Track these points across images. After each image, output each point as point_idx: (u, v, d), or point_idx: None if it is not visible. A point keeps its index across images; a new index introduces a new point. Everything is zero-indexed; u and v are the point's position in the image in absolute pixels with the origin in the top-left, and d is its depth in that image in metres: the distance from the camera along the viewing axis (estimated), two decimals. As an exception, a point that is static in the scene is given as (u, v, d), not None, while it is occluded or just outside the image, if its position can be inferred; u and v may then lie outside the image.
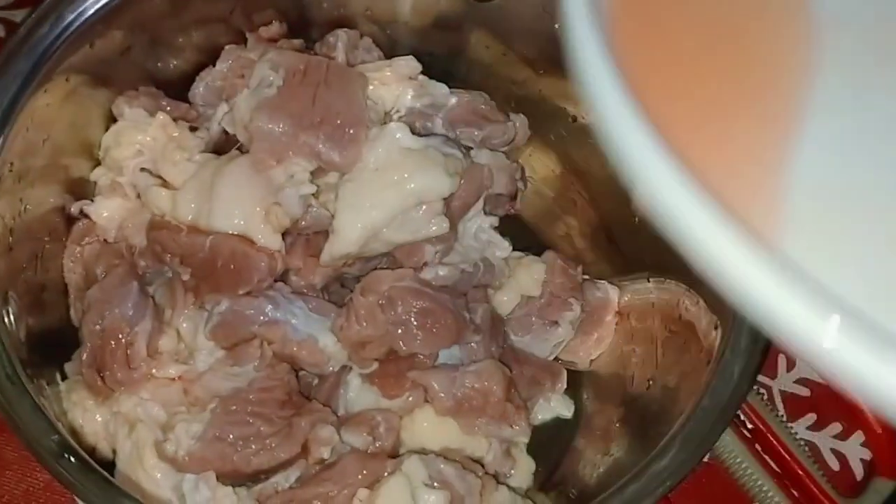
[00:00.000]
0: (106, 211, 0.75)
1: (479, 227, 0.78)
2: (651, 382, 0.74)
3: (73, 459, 0.54)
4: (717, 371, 0.62)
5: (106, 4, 0.68)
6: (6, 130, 0.64)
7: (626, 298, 0.82)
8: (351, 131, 0.70)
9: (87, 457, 0.55)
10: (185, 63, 0.78)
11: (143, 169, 0.76)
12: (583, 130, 0.81)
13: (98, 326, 0.69)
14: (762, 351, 0.62)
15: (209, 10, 0.76)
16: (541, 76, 0.81)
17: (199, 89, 0.76)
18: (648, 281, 0.78)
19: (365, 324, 0.70)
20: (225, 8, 0.76)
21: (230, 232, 0.71)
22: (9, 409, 0.56)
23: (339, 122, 0.71)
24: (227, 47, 0.76)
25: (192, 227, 0.72)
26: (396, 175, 0.70)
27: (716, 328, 0.65)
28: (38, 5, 0.67)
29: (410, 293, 0.70)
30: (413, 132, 0.71)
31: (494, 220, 0.80)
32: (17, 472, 0.79)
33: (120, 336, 0.68)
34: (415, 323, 0.70)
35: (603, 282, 0.82)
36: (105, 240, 0.75)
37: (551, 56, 0.77)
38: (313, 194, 0.73)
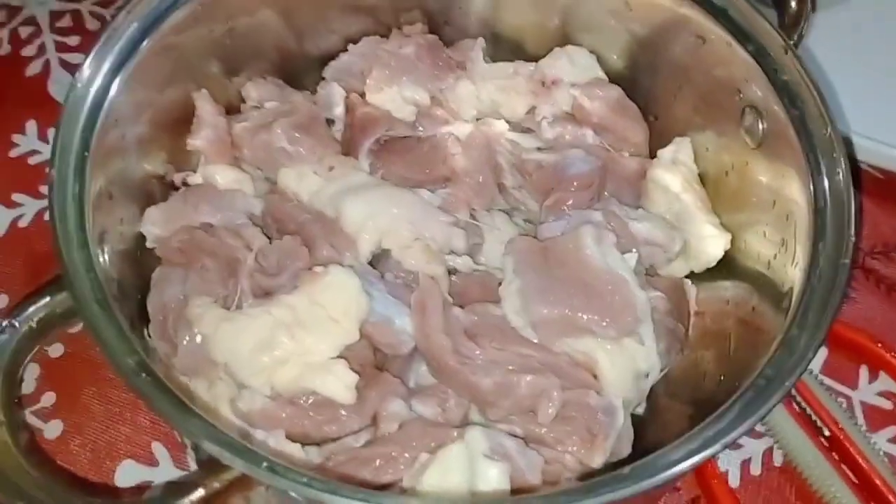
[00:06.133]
0: (221, 178, 0.78)
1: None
2: (722, 378, 0.73)
3: (149, 378, 0.57)
4: (782, 342, 0.61)
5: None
6: (112, 90, 0.68)
7: (702, 296, 0.81)
8: (617, 297, 0.71)
9: (162, 378, 0.57)
10: (307, 51, 0.84)
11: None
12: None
13: (159, 302, 0.73)
14: (828, 325, 0.61)
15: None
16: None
17: (328, 74, 0.82)
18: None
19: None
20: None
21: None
22: (97, 328, 0.58)
23: (599, 294, 0.71)
24: (364, 39, 0.82)
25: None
26: None
27: (786, 309, 0.65)
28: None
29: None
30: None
31: None
32: (102, 424, 0.84)
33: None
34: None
35: (684, 279, 0.81)
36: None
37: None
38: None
